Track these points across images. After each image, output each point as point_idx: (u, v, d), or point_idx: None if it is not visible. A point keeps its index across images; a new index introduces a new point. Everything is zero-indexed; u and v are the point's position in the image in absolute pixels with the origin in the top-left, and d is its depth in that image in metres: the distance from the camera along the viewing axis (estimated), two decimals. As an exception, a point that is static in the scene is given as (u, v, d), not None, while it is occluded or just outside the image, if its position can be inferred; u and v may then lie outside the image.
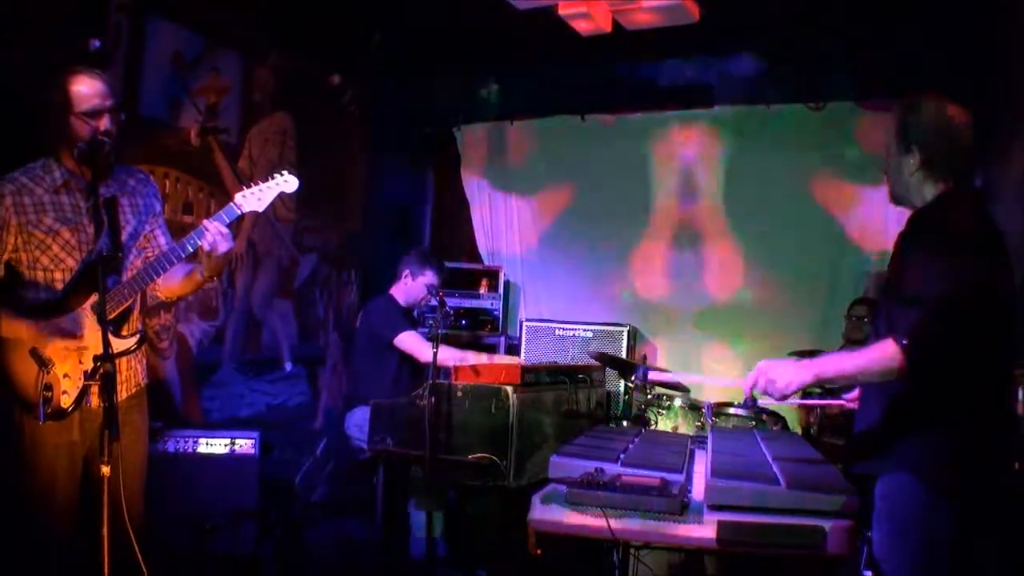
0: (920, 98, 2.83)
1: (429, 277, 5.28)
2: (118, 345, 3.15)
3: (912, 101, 2.84)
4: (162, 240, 3.47)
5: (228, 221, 3.27)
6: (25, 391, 3.11)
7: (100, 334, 3.01)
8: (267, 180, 3.36)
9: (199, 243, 3.20)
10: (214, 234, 3.19)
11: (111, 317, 3.14)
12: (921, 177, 2.76)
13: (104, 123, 3.15)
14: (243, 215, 3.33)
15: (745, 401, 4.47)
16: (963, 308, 2.50)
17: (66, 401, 3.12)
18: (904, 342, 2.48)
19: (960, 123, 2.79)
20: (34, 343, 3.10)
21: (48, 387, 3.10)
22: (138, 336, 3.29)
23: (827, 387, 4.03)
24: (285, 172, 3.40)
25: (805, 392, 3.48)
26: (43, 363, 3.10)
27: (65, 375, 3.13)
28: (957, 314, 2.50)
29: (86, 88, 3.15)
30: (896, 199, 2.89)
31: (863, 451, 2.79)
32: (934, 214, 2.73)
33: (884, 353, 2.53)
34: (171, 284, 3.41)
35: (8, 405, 3.16)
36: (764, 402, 2.86)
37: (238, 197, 3.32)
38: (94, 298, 3.14)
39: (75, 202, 3.21)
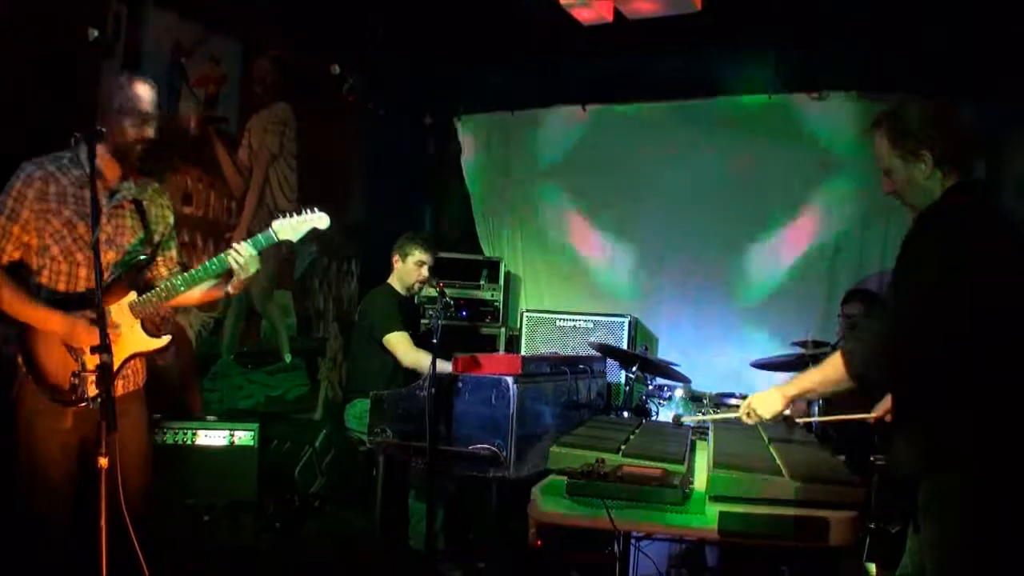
0: (906, 102, 2.79)
1: (418, 255, 5.27)
2: (150, 343, 3.35)
3: (894, 108, 2.79)
4: (174, 253, 3.61)
5: (265, 245, 3.41)
6: (55, 378, 3.16)
7: (131, 329, 3.28)
8: (303, 213, 3.50)
9: (229, 263, 3.35)
10: (246, 258, 3.35)
11: (147, 318, 3.35)
12: (938, 178, 2.70)
13: (150, 131, 3.25)
14: (278, 242, 3.46)
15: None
16: (917, 319, 2.52)
17: (92, 390, 3.13)
18: (847, 347, 2.61)
19: (955, 115, 2.77)
20: (66, 338, 3.15)
21: (77, 374, 3.13)
22: (170, 337, 3.42)
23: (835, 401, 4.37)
24: (317, 209, 3.53)
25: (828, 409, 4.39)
26: (75, 352, 3.16)
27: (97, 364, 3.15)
28: (907, 323, 2.53)
29: (144, 94, 3.25)
30: (916, 209, 2.78)
31: (907, 452, 2.69)
32: (929, 218, 2.69)
33: (834, 363, 2.65)
34: (191, 296, 3.52)
35: (6, 391, 3.20)
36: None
37: (275, 224, 3.45)
38: (131, 296, 3.29)
39: (97, 199, 3.22)
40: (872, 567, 3.75)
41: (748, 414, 3.00)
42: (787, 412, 3.04)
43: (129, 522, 2.82)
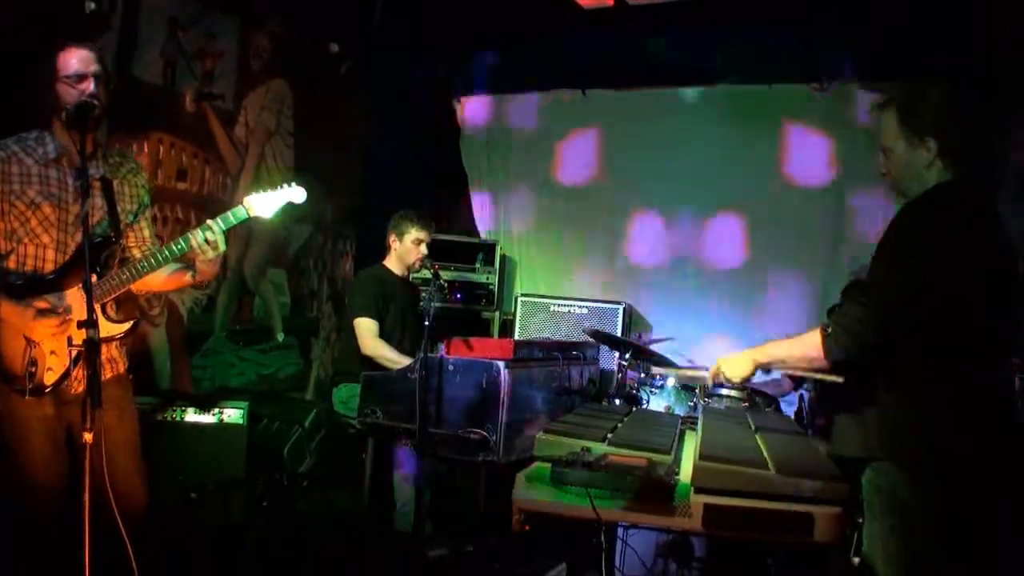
0: (922, 84, 2.73)
1: (414, 233, 5.25)
2: (110, 329, 3.22)
3: (912, 89, 2.73)
4: (147, 233, 3.49)
5: (235, 223, 3.31)
6: (10, 365, 3.09)
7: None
8: (276, 188, 3.40)
9: (192, 244, 3.23)
10: (206, 238, 3.23)
11: (105, 302, 3.23)
12: (937, 168, 2.66)
13: (88, 86, 3.13)
14: (249, 218, 3.36)
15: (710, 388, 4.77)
16: (893, 308, 2.53)
17: (49, 378, 3.11)
18: (828, 330, 2.61)
19: (971, 104, 2.71)
20: (18, 326, 3.08)
21: (33, 362, 3.08)
22: (132, 323, 3.33)
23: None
24: (293, 183, 3.44)
25: None
26: (30, 339, 3.09)
27: (52, 352, 3.11)
28: (884, 312, 2.53)
29: (71, 55, 3.15)
30: (905, 195, 2.75)
31: (847, 439, 2.77)
32: (915, 210, 2.66)
33: (811, 340, 2.66)
34: (153, 282, 3.42)
35: None
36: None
37: (247, 200, 3.35)
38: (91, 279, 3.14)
39: (63, 178, 3.19)
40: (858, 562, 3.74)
41: (715, 375, 3.03)
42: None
43: (114, 505, 2.79)
